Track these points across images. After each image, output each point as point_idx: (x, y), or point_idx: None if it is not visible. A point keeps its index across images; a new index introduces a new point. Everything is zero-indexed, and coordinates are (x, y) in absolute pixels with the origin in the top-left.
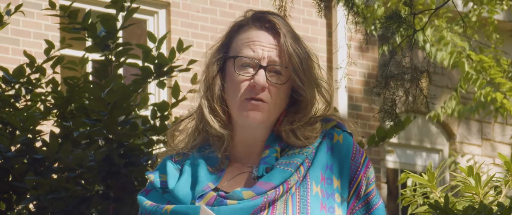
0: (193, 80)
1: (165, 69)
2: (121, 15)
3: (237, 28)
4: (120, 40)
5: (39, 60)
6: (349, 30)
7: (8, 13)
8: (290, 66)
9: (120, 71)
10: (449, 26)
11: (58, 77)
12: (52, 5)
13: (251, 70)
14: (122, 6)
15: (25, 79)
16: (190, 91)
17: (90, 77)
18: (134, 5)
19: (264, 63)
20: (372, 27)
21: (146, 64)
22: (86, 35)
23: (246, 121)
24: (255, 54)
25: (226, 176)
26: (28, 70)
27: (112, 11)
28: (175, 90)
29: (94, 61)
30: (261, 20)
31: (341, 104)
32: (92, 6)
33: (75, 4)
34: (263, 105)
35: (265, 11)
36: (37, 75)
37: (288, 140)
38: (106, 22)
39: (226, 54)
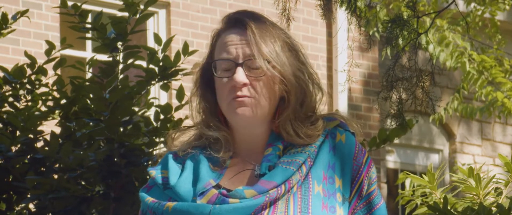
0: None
1: (170, 72)
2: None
3: (217, 37)
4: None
5: (39, 60)
6: (351, 31)
7: (14, 17)
8: (260, 58)
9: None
10: (451, 27)
11: (60, 77)
12: (64, 4)
13: (230, 71)
14: (136, 10)
15: (26, 80)
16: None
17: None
18: (150, 8)
19: (240, 61)
20: (375, 29)
21: (150, 66)
22: (96, 35)
23: (236, 118)
24: (229, 55)
25: (228, 173)
26: (28, 71)
27: (124, 13)
28: (179, 93)
29: (99, 61)
30: (231, 21)
31: (341, 105)
32: (95, 7)
33: (83, 5)
34: (249, 100)
35: (236, 12)
36: (37, 76)
37: (290, 139)
38: (117, 25)
39: (210, 64)
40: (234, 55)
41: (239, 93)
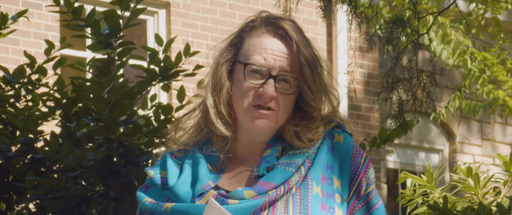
0: (199, 85)
1: (171, 72)
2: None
3: (249, 30)
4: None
5: (39, 61)
6: (352, 31)
7: (13, 18)
8: (301, 78)
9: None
10: (453, 24)
11: (61, 77)
12: (56, 1)
13: (260, 78)
14: (128, 6)
15: (26, 80)
16: (195, 96)
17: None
18: (139, 6)
19: (274, 73)
20: (377, 26)
21: (151, 66)
22: (89, 32)
23: (253, 127)
24: (266, 63)
25: (226, 174)
26: (28, 71)
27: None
28: (180, 94)
29: (98, 60)
30: (274, 26)
31: (341, 105)
32: (91, 6)
33: (78, 3)
34: (271, 114)
35: (278, 17)
36: (37, 76)
37: (292, 142)
38: (110, 19)
39: (236, 56)
40: (271, 66)
41: (263, 104)
